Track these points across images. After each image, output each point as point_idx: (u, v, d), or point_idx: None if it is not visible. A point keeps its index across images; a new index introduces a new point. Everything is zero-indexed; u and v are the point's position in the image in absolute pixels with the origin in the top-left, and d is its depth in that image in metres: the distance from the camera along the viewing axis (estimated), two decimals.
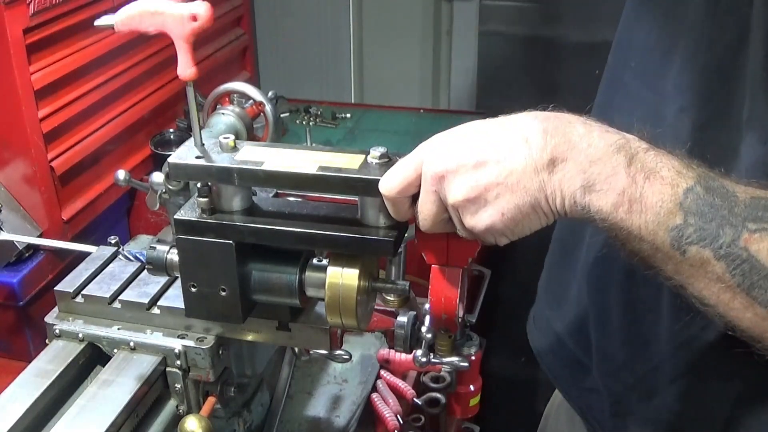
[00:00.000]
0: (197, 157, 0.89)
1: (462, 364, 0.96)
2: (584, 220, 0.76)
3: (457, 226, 0.80)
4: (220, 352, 1.01)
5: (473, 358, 0.97)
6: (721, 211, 0.72)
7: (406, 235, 0.89)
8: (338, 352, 1.09)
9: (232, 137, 0.91)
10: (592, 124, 0.76)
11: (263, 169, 0.87)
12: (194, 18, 0.87)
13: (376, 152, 0.86)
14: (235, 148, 0.91)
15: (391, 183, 0.81)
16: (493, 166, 0.75)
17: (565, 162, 0.74)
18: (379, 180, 0.82)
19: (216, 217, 0.90)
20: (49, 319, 1.06)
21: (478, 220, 0.77)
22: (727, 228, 0.71)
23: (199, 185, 0.90)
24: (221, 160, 0.89)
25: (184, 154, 0.91)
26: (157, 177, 1.07)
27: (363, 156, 0.87)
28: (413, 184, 0.80)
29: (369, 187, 0.84)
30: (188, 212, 0.91)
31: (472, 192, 0.76)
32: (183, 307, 0.96)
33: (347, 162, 0.87)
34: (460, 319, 0.90)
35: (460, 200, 0.76)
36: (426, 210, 0.80)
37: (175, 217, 0.91)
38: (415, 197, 0.81)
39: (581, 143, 0.74)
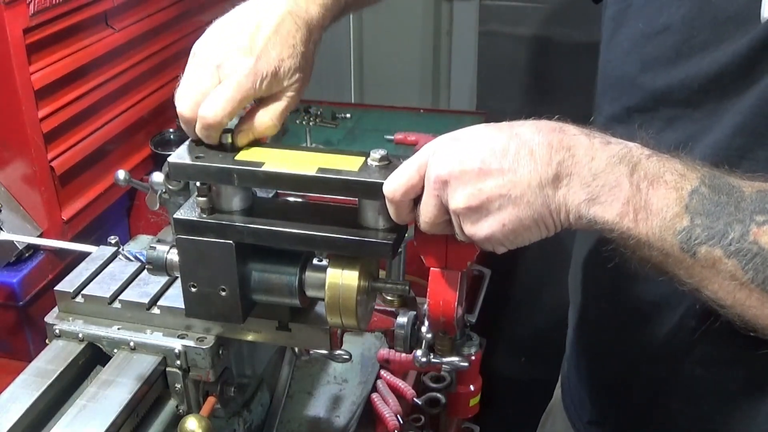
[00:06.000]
0: (197, 157, 0.89)
1: (462, 364, 0.96)
2: (591, 230, 0.76)
3: (456, 230, 0.80)
4: (220, 352, 1.01)
5: (473, 358, 0.97)
6: (727, 208, 0.71)
7: (405, 236, 0.89)
8: (338, 352, 1.09)
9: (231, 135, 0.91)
10: (594, 135, 0.76)
11: (263, 170, 0.87)
12: None
13: (376, 154, 0.86)
14: (234, 148, 0.91)
15: (395, 186, 0.80)
16: (497, 177, 0.75)
17: (569, 177, 0.74)
18: (378, 183, 0.82)
19: (215, 217, 0.90)
20: (49, 319, 1.06)
21: (478, 228, 0.77)
22: (735, 224, 0.70)
23: (198, 185, 0.90)
24: (221, 160, 0.89)
25: (183, 154, 0.91)
26: (157, 177, 1.07)
27: (363, 158, 0.87)
28: (417, 187, 0.80)
29: (368, 190, 0.84)
30: (187, 212, 0.91)
31: (474, 200, 0.75)
32: (183, 307, 0.96)
33: (347, 164, 0.87)
34: (458, 322, 0.90)
35: (461, 207, 0.76)
36: (427, 213, 0.80)
37: (175, 216, 0.91)
38: (416, 200, 0.81)
39: (584, 157, 0.74)
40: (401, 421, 1.22)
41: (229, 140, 0.91)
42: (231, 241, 0.89)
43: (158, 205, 1.07)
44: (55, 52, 1.46)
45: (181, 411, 1.03)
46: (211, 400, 1.02)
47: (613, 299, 1.09)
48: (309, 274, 0.93)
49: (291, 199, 1.04)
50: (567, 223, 0.76)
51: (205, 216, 0.90)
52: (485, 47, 2.42)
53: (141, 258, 1.10)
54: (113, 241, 1.16)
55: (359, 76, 2.57)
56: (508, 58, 2.42)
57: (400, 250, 1.53)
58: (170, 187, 1.05)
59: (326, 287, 0.89)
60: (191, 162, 0.89)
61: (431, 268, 0.87)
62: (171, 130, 1.80)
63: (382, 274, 1.34)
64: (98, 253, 1.14)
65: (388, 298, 1.47)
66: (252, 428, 1.15)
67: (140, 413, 0.99)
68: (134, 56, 1.66)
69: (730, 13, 0.87)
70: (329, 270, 0.89)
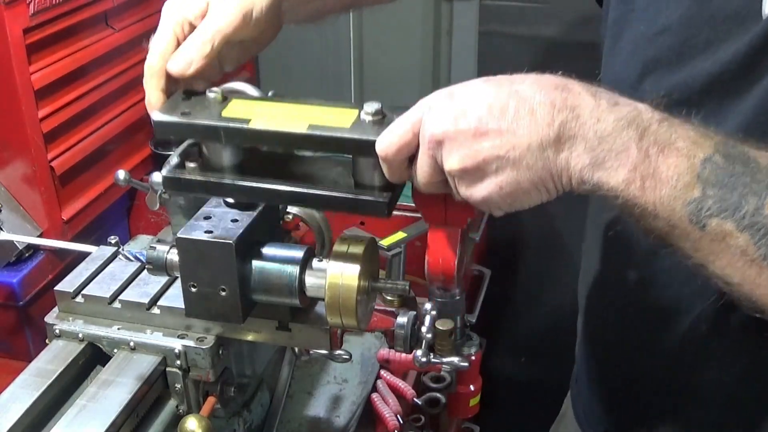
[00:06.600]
0: (182, 114, 0.85)
1: (462, 364, 0.96)
2: (593, 195, 0.72)
3: (453, 191, 0.77)
4: (220, 352, 1.01)
5: (473, 358, 0.97)
6: (742, 178, 0.68)
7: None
8: (338, 352, 1.09)
9: (220, 91, 0.88)
10: (601, 94, 0.72)
11: (250, 128, 0.83)
12: None
13: (370, 108, 0.82)
14: (223, 102, 0.87)
15: (387, 144, 0.77)
16: (494, 137, 0.71)
17: (572, 139, 0.70)
18: (371, 140, 0.79)
19: (204, 174, 0.87)
20: (49, 319, 1.06)
21: (475, 190, 0.74)
22: (750, 197, 0.67)
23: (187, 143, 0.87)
24: (207, 116, 0.85)
25: (170, 109, 0.87)
26: (157, 177, 1.06)
27: (356, 111, 0.83)
28: (410, 145, 0.76)
29: (361, 148, 0.80)
30: (176, 169, 0.88)
31: (469, 162, 0.72)
32: (183, 307, 0.96)
33: (339, 119, 0.83)
34: (458, 280, 0.88)
35: (456, 169, 0.73)
36: (422, 172, 0.77)
37: (163, 174, 0.88)
38: (411, 158, 0.78)
39: (590, 119, 0.70)
40: (401, 421, 1.23)
41: (220, 98, 0.87)
42: (231, 241, 0.89)
43: (158, 205, 1.07)
44: (55, 52, 1.46)
45: (181, 411, 1.03)
46: (211, 400, 1.02)
47: (624, 307, 1.06)
48: (309, 274, 0.93)
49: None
50: (569, 188, 0.72)
51: (193, 172, 0.87)
52: (485, 47, 2.42)
53: (141, 258, 1.10)
54: (113, 241, 1.16)
55: (359, 76, 2.56)
56: (508, 58, 2.41)
57: (399, 250, 1.54)
58: None
59: (326, 287, 0.89)
60: (177, 119, 0.85)
61: (430, 226, 0.84)
62: None
63: (381, 274, 1.34)
64: (98, 253, 1.14)
65: (388, 298, 1.47)
66: (252, 428, 1.15)
67: (140, 413, 0.99)
68: (134, 56, 1.66)
69: (729, 11, 0.85)
70: (329, 270, 0.89)
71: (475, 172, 0.73)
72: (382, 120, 0.81)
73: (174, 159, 0.89)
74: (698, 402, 1.01)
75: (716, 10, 0.86)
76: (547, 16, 2.30)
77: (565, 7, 2.24)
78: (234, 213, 0.93)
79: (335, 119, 0.83)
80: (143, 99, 0.91)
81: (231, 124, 0.84)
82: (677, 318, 0.97)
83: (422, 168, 0.76)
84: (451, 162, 0.73)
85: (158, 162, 1.65)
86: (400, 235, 1.57)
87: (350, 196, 0.83)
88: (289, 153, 0.92)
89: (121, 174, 1.14)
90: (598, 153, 0.70)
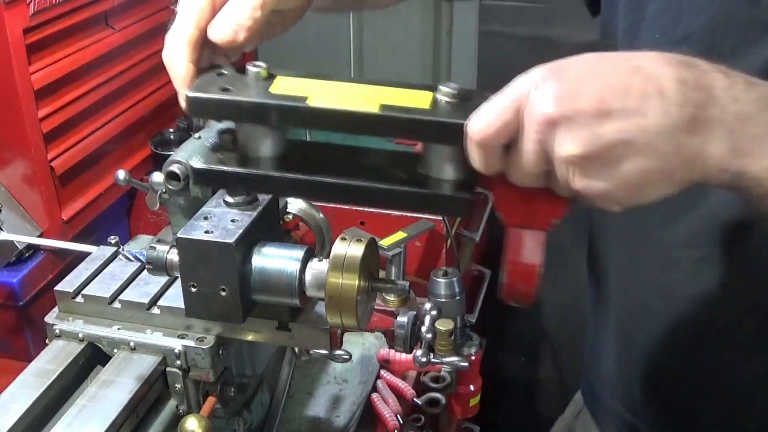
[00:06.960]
0: (223, 90, 0.73)
1: (462, 364, 0.96)
2: (728, 188, 0.65)
3: (560, 183, 0.66)
4: (220, 352, 1.01)
5: (473, 358, 0.97)
6: None
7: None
8: (338, 352, 1.09)
9: (264, 65, 0.75)
10: (732, 74, 0.65)
11: (310, 107, 0.70)
12: None
13: (447, 89, 0.69)
14: (269, 79, 0.75)
15: (484, 125, 0.65)
16: (619, 119, 0.62)
17: (709, 122, 0.62)
18: (459, 123, 0.67)
19: (244, 166, 0.75)
20: (49, 319, 1.06)
21: (592, 182, 0.64)
22: None
23: (221, 126, 0.76)
24: (254, 93, 0.72)
25: (205, 85, 0.74)
26: (157, 177, 1.07)
27: (430, 93, 0.71)
28: (511, 127, 0.65)
29: (447, 132, 0.68)
30: (209, 160, 0.77)
31: (591, 148, 0.62)
32: (183, 307, 0.96)
33: (413, 99, 0.71)
34: (538, 291, 0.77)
35: (575, 155, 0.62)
36: (526, 160, 0.65)
37: (193, 165, 0.77)
38: (507, 145, 0.67)
39: (726, 98, 0.63)
40: (401, 421, 1.23)
41: (264, 73, 0.75)
42: (231, 241, 0.89)
43: (158, 205, 1.07)
44: (55, 52, 1.46)
45: (181, 411, 1.03)
46: (211, 400, 1.02)
47: (669, 324, 0.99)
48: (309, 274, 0.93)
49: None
50: (700, 177, 0.64)
51: (232, 163, 0.75)
52: (485, 47, 2.42)
53: (141, 258, 1.10)
54: (113, 241, 1.16)
55: (359, 76, 2.57)
56: (508, 58, 2.42)
57: (399, 250, 1.54)
58: (170, 187, 1.05)
59: (326, 287, 0.89)
60: (218, 96, 0.72)
61: (511, 228, 0.73)
62: (171, 130, 1.80)
63: (382, 274, 1.34)
64: (98, 253, 1.14)
65: (388, 298, 1.48)
66: (252, 428, 1.15)
67: (140, 413, 0.99)
68: (134, 56, 1.66)
69: (755, 17, 0.80)
70: (329, 270, 0.89)
71: (597, 160, 0.63)
72: (464, 103, 0.70)
73: (207, 150, 0.79)
74: (755, 420, 0.98)
75: (742, 16, 0.81)
76: (547, 16, 2.30)
77: (565, 7, 2.25)
78: (234, 213, 0.93)
79: (409, 100, 0.71)
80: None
81: (286, 102, 0.72)
82: (727, 333, 0.93)
83: (526, 155, 0.65)
84: (568, 147, 0.63)
85: (158, 162, 1.65)
86: (400, 235, 1.57)
87: (426, 191, 0.72)
88: (331, 144, 0.80)
89: (121, 174, 1.14)
90: (738, 137, 0.62)
